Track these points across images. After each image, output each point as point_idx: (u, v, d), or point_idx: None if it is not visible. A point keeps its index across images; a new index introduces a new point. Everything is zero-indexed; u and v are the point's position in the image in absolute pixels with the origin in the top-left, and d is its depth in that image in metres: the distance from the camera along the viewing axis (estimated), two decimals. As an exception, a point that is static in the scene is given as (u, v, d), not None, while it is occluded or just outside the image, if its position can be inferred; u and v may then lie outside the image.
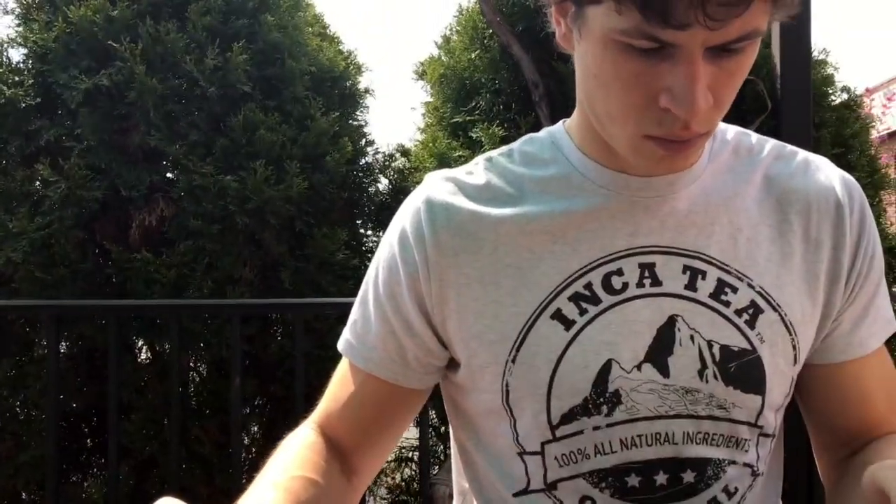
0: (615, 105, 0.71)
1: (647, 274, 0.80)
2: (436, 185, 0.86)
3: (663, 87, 0.67)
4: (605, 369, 0.78)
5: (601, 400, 0.78)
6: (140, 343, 3.33)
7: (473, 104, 3.39)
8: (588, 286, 0.80)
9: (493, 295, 0.81)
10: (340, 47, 3.96)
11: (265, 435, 3.42)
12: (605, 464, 0.79)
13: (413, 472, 3.68)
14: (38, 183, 3.16)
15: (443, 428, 3.42)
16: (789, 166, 0.85)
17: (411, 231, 0.83)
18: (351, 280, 3.33)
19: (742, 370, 0.79)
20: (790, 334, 0.81)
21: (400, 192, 3.85)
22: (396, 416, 0.90)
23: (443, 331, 0.84)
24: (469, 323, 0.82)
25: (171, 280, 3.03)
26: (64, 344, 3.18)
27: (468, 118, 3.34)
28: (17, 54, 4.03)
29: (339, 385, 0.90)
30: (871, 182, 3.29)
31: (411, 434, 3.16)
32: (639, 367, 0.79)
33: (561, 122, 0.91)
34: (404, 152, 4.00)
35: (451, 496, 1.03)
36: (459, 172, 0.88)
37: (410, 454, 3.69)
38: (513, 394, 0.81)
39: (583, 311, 0.79)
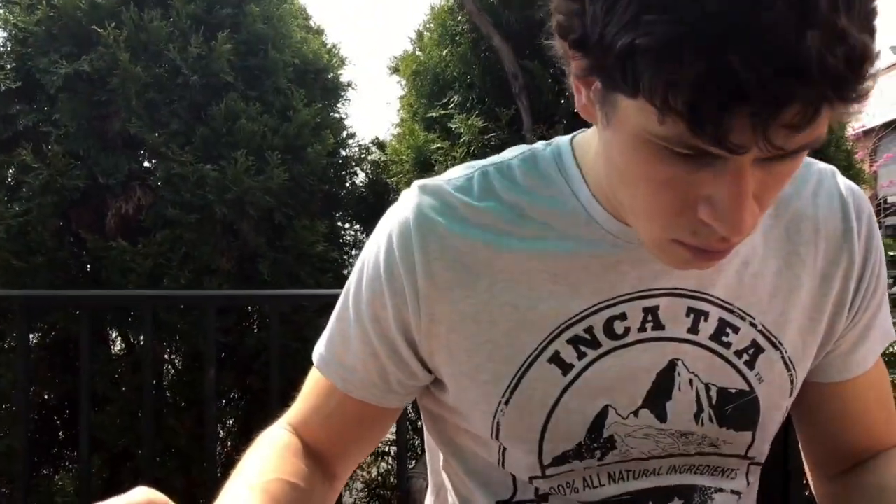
0: (643, 206, 0.63)
1: (649, 318, 0.76)
2: (427, 204, 0.77)
3: (703, 196, 0.58)
4: (602, 415, 0.76)
5: (595, 445, 0.76)
6: (114, 334, 3.28)
7: (447, 99, 3.40)
8: (588, 330, 0.75)
9: (487, 334, 0.76)
10: (324, 39, 3.96)
11: (241, 428, 3.39)
12: (594, 497, 0.78)
13: (390, 467, 3.67)
14: (12, 168, 3.11)
15: (419, 422, 3.41)
16: (799, 185, 0.81)
17: (400, 256, 0.76)
18: (329, 272, 3.31)
19: (738, 411, 0.78)
20: (788, 371, 0.79)
21: (376, 185, 3.83)
22: (378, 429, 0.88)
23: (430, 361, 0.79)
24: (460, 360, 0.77)
25: (147, 270, 3.00)
26: (37, 334, 3.13)
27: (443, 112, 3.35)
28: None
29: (316, 397, 0.86)
30: (848, 176, 3.35)
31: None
32: (636, 412, 0.76)
33: (568, 139, 0.81)
34: (380, 145, 4.00)
35: (427, 489, 1.02)
36: (451, 188, 0.78)
37: (387, 448, 3.67)
38: (503, 432, 0.78)
39: (581, 355, 0.75)
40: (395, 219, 0.79)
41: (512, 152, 0.82)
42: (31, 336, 2.87)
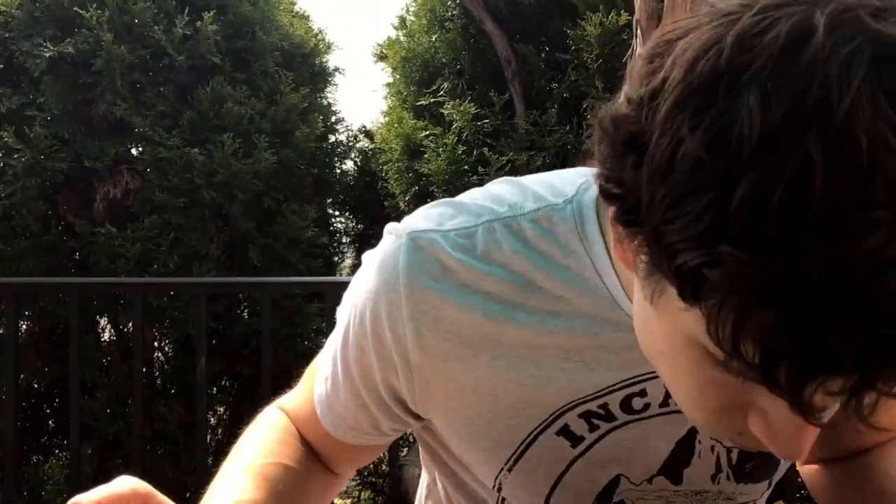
0: (683, 394, 0.53)
1: None
2: (420, 265, 0.65)
3: (757, 406, 0.47)
4: (613, 483, 0.70)
5: None
6: (104, 321, 3.26)
7: (437, 86, 3.39)
8: (603, 406, 0.67)
9: (488, 405, 0.67)
10: (310, 25, 3.94)
11: (232, 415, 3.38)
12: None
13: (382, 454, 3.67)
14: (1, 153, 3.09)
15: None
16: None
17: (388, 325, 0.66)
18: (320, 258, 3.30)
19: (758, 467, 0.73)
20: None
21: (365, 174, 3.82)
22: (373, 451, 0.84)
23: (425, 416, 0.72)
24: (458, 426, 0.70)
25: (136, 255, 2.98)
26: (24, 322, 3.11)
27: (433, 100, 3.33)
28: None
29: (310, 415, 0.79)
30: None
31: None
32: (650, 479, 0.70)
33: (594, 197, 0.65)
34: (367, 134, 3.98)
35: (419, 476, 1.00)
36: (449, 245, 0.65)
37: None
38: (506, 490, 0.72)
39: (593, 428, 0.68)
40: (382, 276, 0.66)
41: (521, 196, 0.67)
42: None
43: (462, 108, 3.07)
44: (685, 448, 0.69)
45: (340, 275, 3.56)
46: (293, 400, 0.83)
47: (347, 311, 0.72)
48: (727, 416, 0.50)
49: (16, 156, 2.99)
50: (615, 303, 0.64)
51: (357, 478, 3.63)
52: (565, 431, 0.68)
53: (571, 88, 3.07)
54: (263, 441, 0.77)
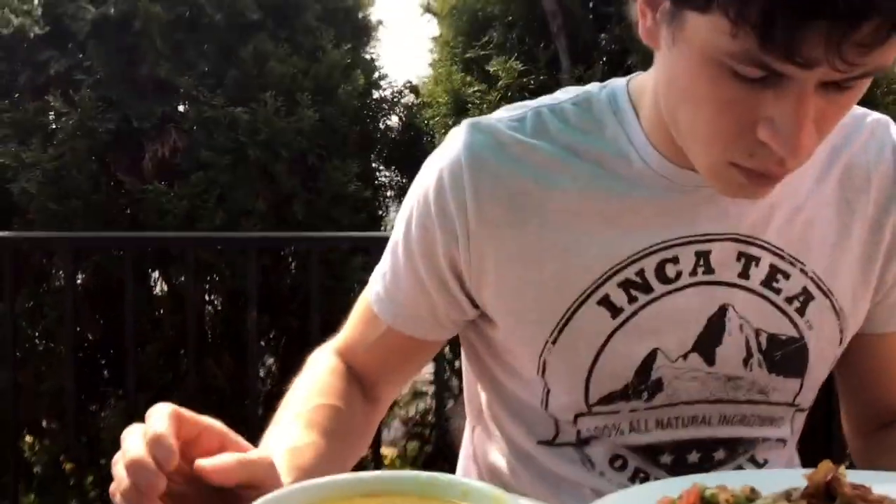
0: (703, 127, 0.64)
1: (701, 262, 0.76)
2: (479, 142, 0.77)
3: (764, 117, 0.60)
4: (650, 358, 0.77)
5: (642, 387, 0.77)
6: (156, 275, 3.34)
7: (486, 38, 3.33)
8: (640, 273, 0.76)
9: (535, 274, 0.77)
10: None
11: (281, 367, 3.46)
12: (638, 441, 0.79)
13: (427, 406, 3.73)
14: (51, 115, 3.14)
15: (457, 362, 3.44)
16: (851, 135, 0.80)
17: (452, 194, 0.77)
18: (363, 212, 3.33)
19: (787, 357, 0.78)
20: (838, 319, 0.79)
21: (410, 128, 3.81)
22: (419, 359, 0.91)
23: (478, 298, 0.81)
24: (507, 299, 0.79)
25: (183, 212, 3.04)
26: (80, 275, 3.20)
27: (482, 52, 3.28)
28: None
29: (363, 326, 0.88)
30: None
31: (426, 368, 3.19)
32: (685, 356, 0.77)
33: (624, 83, 0.80)
34: (413, 89, 3.94)
35: (465, 427, 1.03)
36: (503, 125, 0.78)
37: (424, 388, 3.72)
38: (549, 369, 0.79)
39: (632, 299, 0.76)
40: (446, 156, 0.78)
41: (565, 94, 0.81)
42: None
43: (508, 65, 3.03)
44: (716, 324, 0.77)
45: (385, 229, 3.58)
46: (340, 333, 0.92)
47: (409, 203, 0.82)
48: (740, 141, 0.62)
49: (63, 118, 3.04)
50: (644, 162, 0.75)
51: (403, 428, 3.71)
52: (606, 302, 0.76)
53: (616, 41, 3.02)
54: (311, 384, 0.84)
